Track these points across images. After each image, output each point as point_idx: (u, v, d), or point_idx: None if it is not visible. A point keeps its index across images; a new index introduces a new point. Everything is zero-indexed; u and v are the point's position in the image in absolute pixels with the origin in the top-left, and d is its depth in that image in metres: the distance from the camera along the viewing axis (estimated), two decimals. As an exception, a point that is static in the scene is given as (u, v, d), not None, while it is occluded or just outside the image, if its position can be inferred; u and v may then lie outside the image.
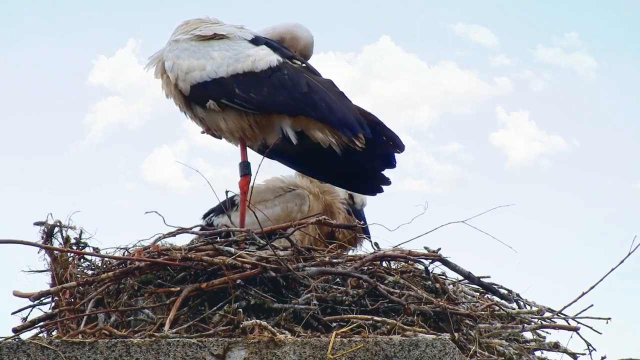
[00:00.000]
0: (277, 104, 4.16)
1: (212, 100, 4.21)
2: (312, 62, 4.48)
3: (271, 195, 5.00)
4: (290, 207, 4.95)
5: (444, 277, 3.98)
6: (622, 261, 3.88)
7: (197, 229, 4.08)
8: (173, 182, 9.78)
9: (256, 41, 4.30)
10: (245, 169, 4.35)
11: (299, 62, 4.29)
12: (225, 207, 4.65)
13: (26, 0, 10.69)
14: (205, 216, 5.12)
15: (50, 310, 3.70)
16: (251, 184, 4.30)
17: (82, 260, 3.88)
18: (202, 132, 4.53)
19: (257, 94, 4.16)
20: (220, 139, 4.48)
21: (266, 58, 4.21)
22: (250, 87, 4.16)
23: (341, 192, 5.23)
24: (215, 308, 3.42)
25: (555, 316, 3.95)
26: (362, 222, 4.95)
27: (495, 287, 4.08)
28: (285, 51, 4.31)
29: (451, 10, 11.65)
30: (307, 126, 4.25)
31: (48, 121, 10.72)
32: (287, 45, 4.47)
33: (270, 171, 5.28)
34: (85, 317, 3.53)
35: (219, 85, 4.20)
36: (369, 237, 4.78)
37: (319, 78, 4.25)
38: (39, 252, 3.76)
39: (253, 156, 4.40)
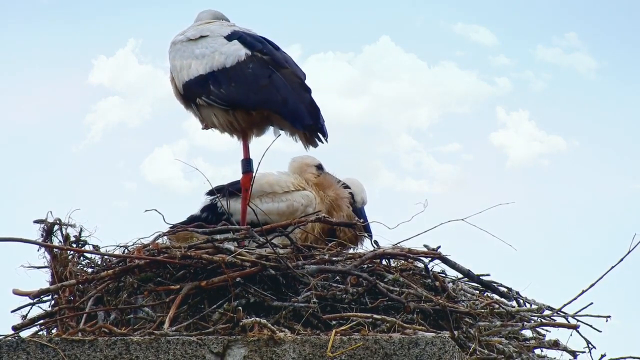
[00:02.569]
0: (240, 98, 4.25)
1: (198, 97, 4.33)
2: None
3: (280, 190, 4.98)
4: (296, 206, 4.92)
5: (443, 275, 3.98)
6: (622, 259, 3.88)
7: (197, 228, 4.06)
8: (173, 182, 9.77)
9: (230, 37, 4.39)
10: (247, 166, 4.37)
11: (269, 55, 4.32)
12: (223, 195, 4.64)
13: (26, 0, 10.69)
14: (210, 193, 5.05)
15: (50, 308, 3.69)
16: (252, 182, 4.30)
17: (81, 258, 3.88)
18: (203, 128, 4.55)
19: (226, 89, 4.26)
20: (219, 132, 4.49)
21: (235, 53, 4.29)
22: (221, 83, 4.27)
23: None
24: (215, 306, 3.42)
25: (555, 314, 3.95)
26: (362, 220, 4.94)
27: (495, 285, 4.09)
28: (256, 44, 4.36)
29: (451, 10, 11.65)
30: (271, 119, 4.31)
31: (48, 121, 10.72)
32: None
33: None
34: (84, 315, 3.53)
35: (200, 83, 4.32)
36: (371, 235, 4.78)
37: (284, 70, 4.28)
38: (38, 250, 3.77)
39: (253, 155, 4.42)
